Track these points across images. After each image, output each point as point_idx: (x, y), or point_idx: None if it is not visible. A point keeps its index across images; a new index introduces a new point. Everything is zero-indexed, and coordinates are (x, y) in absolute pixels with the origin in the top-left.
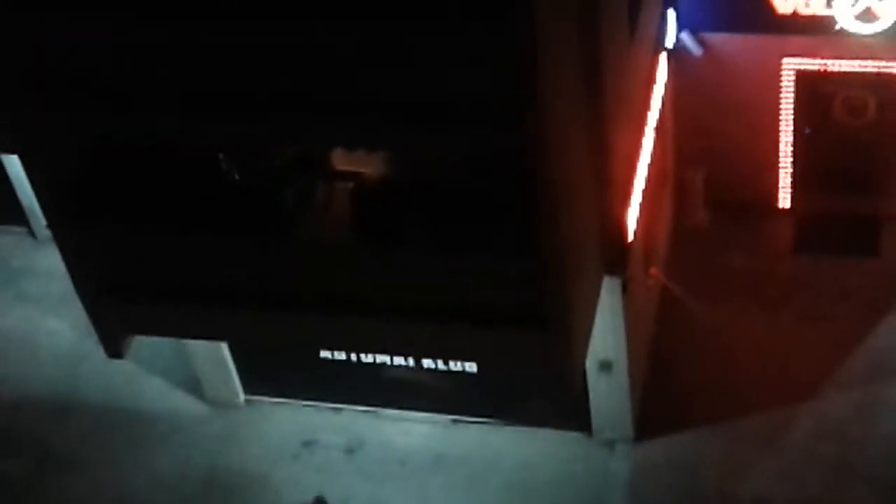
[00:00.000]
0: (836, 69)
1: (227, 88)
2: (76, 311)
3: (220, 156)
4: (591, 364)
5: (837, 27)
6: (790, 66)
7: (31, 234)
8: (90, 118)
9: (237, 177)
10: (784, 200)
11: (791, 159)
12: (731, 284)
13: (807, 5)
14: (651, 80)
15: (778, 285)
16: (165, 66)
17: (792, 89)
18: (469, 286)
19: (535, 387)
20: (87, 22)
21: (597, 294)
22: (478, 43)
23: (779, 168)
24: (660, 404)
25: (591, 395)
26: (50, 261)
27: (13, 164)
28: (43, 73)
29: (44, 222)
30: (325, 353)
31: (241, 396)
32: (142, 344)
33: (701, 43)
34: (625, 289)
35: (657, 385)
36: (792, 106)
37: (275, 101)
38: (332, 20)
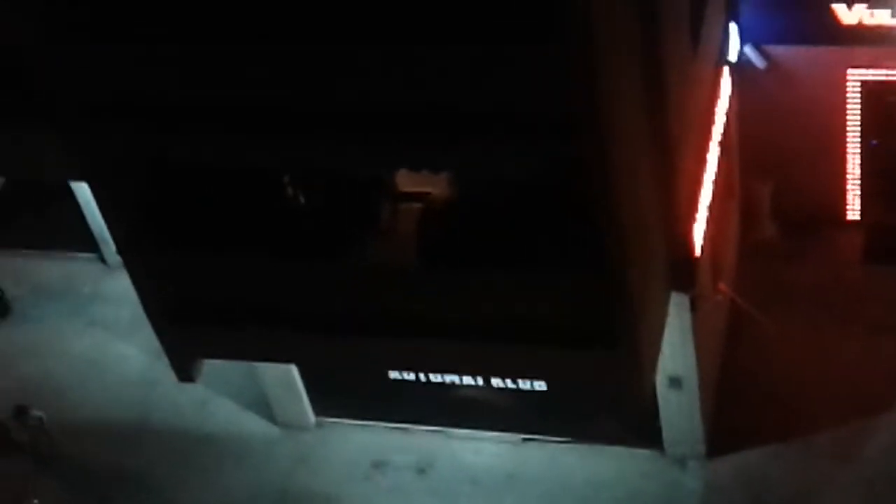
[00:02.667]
0: None
1: (290, 111)
2: (147, 336)
3: (286, 180)
4: (661, 381)
5: None
6: (855, 78)
7: (102, 260)
8: (153, 143)
9: (303, 201)
10: (852, 212)
11: (858, 170)
12: (800, 297)
13: (871, 16)
14: (715, 94)
15: (848, 297)
16: (230, 89)
17: (858, 100)
18: (538, 304)
19: (605, 404)
20: (148, 48)
21: (665, 310)
22: (538, 58)
23: (846, 180)
24: (731, 420)
25: (662, 411)
26: (120, 286)
27: (83, 191)
28: (109, 99)
29: (114, 248)
30: (394, 374)
31: (312, 418)
32: (212, 367)
33: (765, 56)
34: (693, 305)
35: (728, 401)
36: (858, 117)
37: (335, 123)
38: (391, 40)
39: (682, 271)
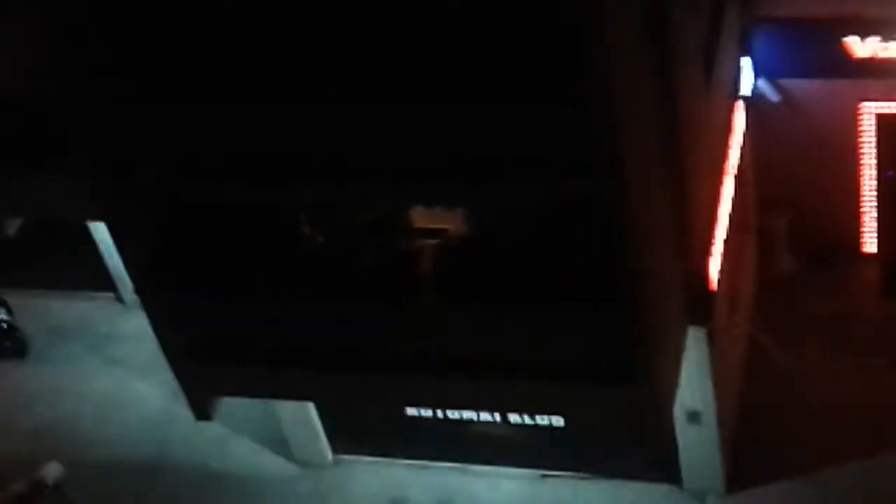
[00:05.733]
0: None
1: (306, 153)
2: (164, 375)
3: (302, 218)
4: (679, 415)
5: None
6: (870, 110)
7: (119, 299)
8: (170, 185)
9: (320, 239)
10: (870, 244)
11: (875, 203)
12: (819, 331)
13: (885, 49)
14: (729, 129)
15: (867, 331)
16: (244, 132)
17: (872, 133)
18: (554, 340)
19: (623, 439)
20: (162, 91)
21: (682, 344)
22: (554, 99)
23: (862, 212)
24: (751, 455)
25: (681, 446)
26: (137, 325)
27: (100, 230)
28: (127, 141)
29: (131, 288)
30: (411, 411)
31: (330, 456)
32: (229, 406)
33: (778, 89)
34: (711, 338)
35: (748, 435)
36: (873, 150)
37: (350, 161)
38: (406, 83)
39: (700, 305)
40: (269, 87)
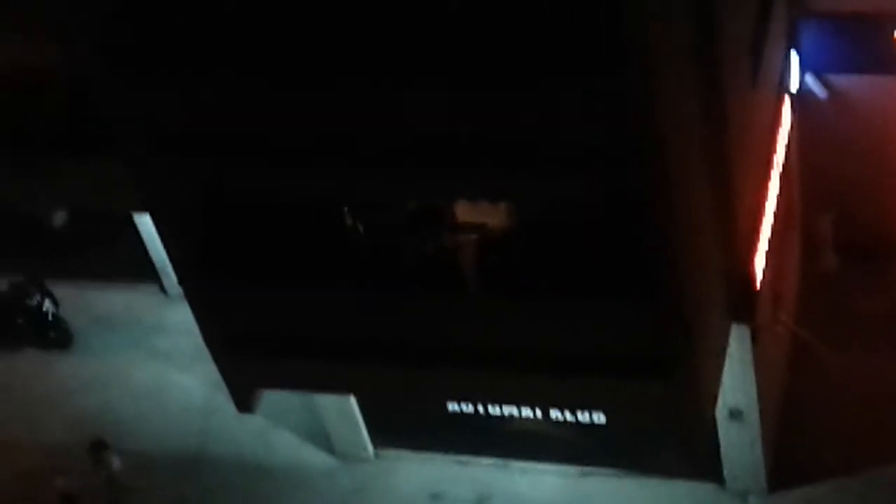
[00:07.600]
0: None
1: (351, 143)
2: (207, 367)
3: (345, 211)
4: (721, 413)
5: None
6: None
7: (163, 290)
8: (213, 174)
9: (362, 231)
10: None
11: None
12: (862, 329)
13: None
14: (776, 124)
15: None
16: (288, 122)
17: None
18: (595, 335)
19: (665, 437)
20: (207, 81)
21: (725, 342)
22: (597, 92)
23: None
24: (794, 453)
25: (722, 444)
26: (180, 317)
27: (145, 223)
28: (169, 130)
29: (175, 280)
30: (452, 406)
31: (370, 450)
32: (271, 398)
33: (826, 85)
34: (754, 336)
35: (790, 433)
36: None
37: (395, 156)
38: (454, 76)
39: (743, 302)
40: (317, 76)
